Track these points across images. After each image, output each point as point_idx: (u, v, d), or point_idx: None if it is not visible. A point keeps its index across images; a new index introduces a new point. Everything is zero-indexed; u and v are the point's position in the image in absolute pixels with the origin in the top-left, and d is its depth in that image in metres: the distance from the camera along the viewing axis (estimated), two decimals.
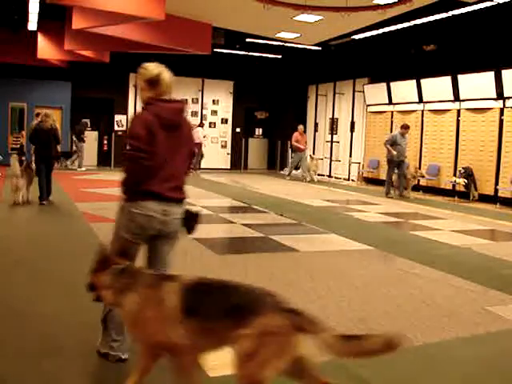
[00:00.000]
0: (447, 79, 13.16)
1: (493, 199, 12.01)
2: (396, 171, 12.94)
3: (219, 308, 2.39)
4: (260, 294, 2.39)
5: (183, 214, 3.17)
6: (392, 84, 15.06)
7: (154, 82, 3.05)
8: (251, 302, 2.33)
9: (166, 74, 3.08)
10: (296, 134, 16.81)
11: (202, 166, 18.42)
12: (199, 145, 18.22)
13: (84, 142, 17.19)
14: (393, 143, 12.57)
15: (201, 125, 18.84)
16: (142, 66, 3.15)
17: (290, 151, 19.54)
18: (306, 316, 2.28)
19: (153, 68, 3.09)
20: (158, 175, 2.98)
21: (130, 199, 3.02)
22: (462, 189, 12.49)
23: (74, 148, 17.32)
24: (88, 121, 18.04)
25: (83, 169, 16.88)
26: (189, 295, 2.46)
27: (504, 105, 11.95)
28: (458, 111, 13.17)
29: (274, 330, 2.23)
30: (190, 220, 3.22)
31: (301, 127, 17.20)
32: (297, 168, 18.98)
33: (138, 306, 2.54)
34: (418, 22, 12.31)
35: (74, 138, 17.18)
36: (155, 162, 2.96)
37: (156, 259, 3.16)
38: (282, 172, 19.60)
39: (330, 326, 2.29)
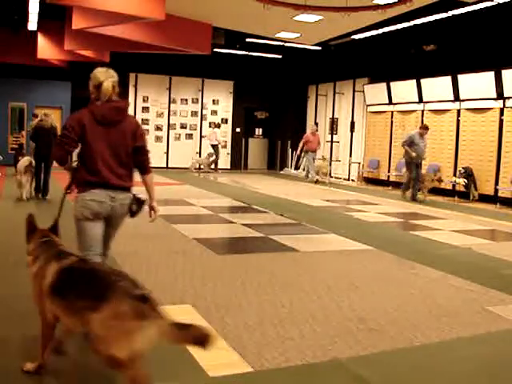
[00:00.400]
0: (447, 79, 13.16)
1: (493, 199, 12.01)
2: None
3: (79, 290, 2.68)
4: (115, 280, 2.58)
5: (130, 199, 3.60)
6: (392, 84, 15.07)
7: (97, 87, 3.51)
8: (105, 287, 2.54)
9: (107, 83, 3.50)
10: (307, 135, 16.23)
11: (203, 166, 18.44)
12: (216, 146, 18.24)
13: None
14: (411, 143, 11.91)
15: (218, 126, 18.80)
16: (93, 72, 3.56)
17: (291, 153, 19.50)
18: (150, 303, 2.46)
19: (99, 76, 3.52)
20: (100, 166, 3.47)
21: (82, 190, 3.53)
22: (462, 189, 12.49)
23: None
24: None
25: None
26: (62, 276, 2.80)
27: (504, 105, 11.95)
28: (458, 111, 13.18)
29: (118, 314, 2.43)
30: (135, 206, 3.63)
31: (313, 127, 16.68)
32: (297, 168, 18.97)
33: (35, 275, 2.97)
34: (418, 21, 12.31)
35: None
36: (91, 152, 3.46)
37: (104, 237, 3.65)
38: (281, 172, 19.61)
39: (164, 313, 2.43)
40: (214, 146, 18.21)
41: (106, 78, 3.50)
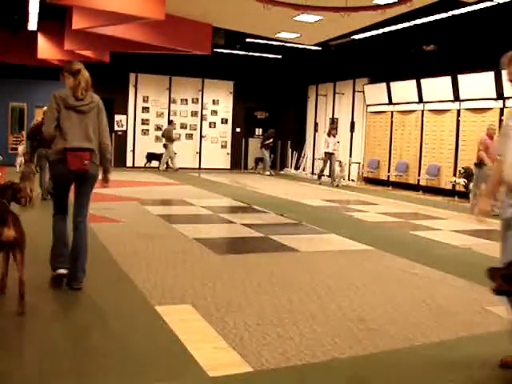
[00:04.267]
0: (447, 79, 13.16)
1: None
2: None
3: None
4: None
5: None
6: (392, 84, 15.07)
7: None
8: None
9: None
10: (485, 138, 10.29)
11: (202, 166, 18.44)
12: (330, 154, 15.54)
13: (269, 148, 18.82)
14: None
15: (330, 133, 15.64)
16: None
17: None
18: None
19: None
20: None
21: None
22: (462, 189, 12.49)
23: (260, 155, 19.10)
24: (274, 130, 19.17)
25: (267, 173, 18.49)
26: None
27: (504, 105, 11.96)
28: (458, 111, 13.18)
29: None
30: None
31: (491, 126, 10.70)
32: (297, 168, 18.91)
33: None
34: (418, 22, 12.31)
35: (260, 146, 18.94)
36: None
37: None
38: (282, 172, 19.61)
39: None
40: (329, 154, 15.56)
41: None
